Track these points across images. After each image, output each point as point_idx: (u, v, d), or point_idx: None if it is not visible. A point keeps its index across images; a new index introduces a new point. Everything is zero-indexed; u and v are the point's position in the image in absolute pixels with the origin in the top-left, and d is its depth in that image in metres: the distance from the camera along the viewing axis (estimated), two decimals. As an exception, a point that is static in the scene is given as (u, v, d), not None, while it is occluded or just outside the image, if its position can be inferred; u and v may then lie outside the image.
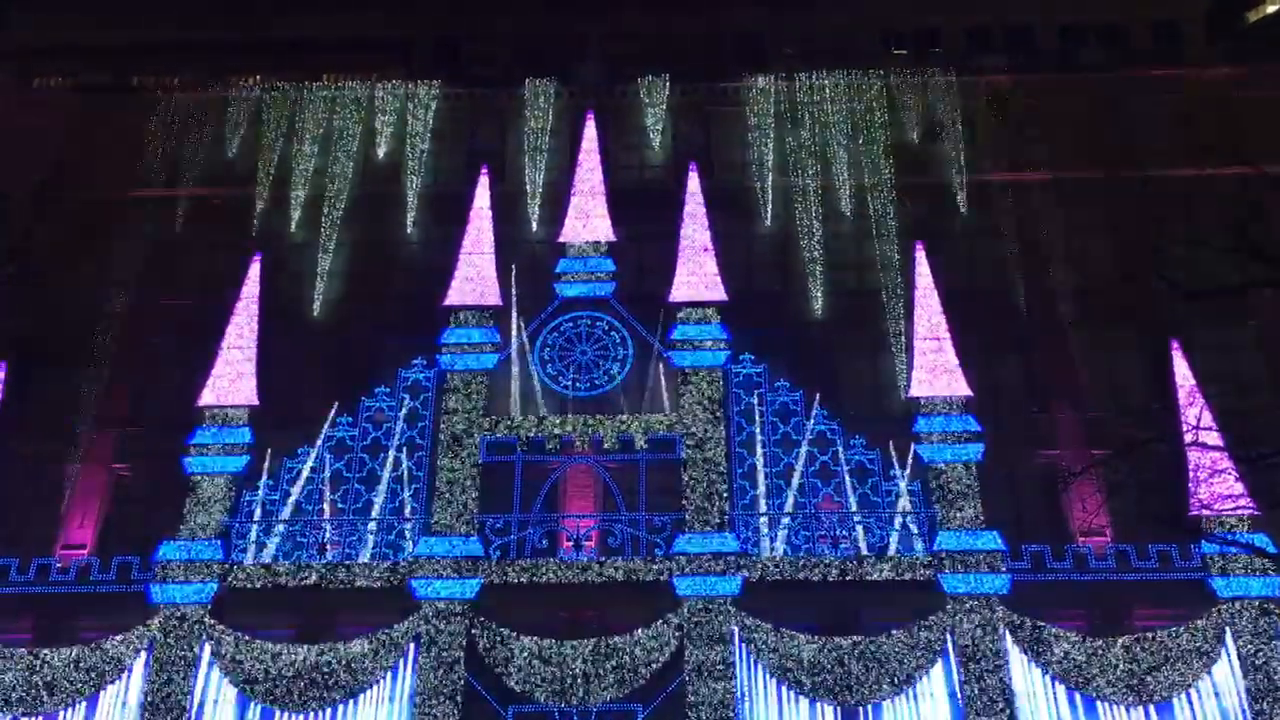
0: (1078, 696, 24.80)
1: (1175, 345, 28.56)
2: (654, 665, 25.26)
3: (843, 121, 35.45)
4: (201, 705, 25.38)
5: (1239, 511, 25.60)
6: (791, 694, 25.05)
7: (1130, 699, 24.58)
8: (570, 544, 26.94)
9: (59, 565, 27.09)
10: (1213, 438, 24.52)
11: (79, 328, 32.54)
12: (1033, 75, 35.95)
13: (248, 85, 37.06)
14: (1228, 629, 25.21)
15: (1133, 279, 30.37)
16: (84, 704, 25.45)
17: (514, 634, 25.55)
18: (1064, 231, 33.41)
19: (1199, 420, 24.14)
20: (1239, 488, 25.42)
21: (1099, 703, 24.71)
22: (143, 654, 25.68)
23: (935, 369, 28.12)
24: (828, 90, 35.90)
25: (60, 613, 26.70)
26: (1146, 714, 24.65)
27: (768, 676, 25.23)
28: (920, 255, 29.83)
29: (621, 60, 37.21)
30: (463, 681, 25.22)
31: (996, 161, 34.64)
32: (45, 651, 25.72)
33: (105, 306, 32.79)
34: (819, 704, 24.93)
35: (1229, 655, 25.03)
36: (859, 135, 35.21)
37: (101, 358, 32.23)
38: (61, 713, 25.38)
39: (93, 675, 25.49)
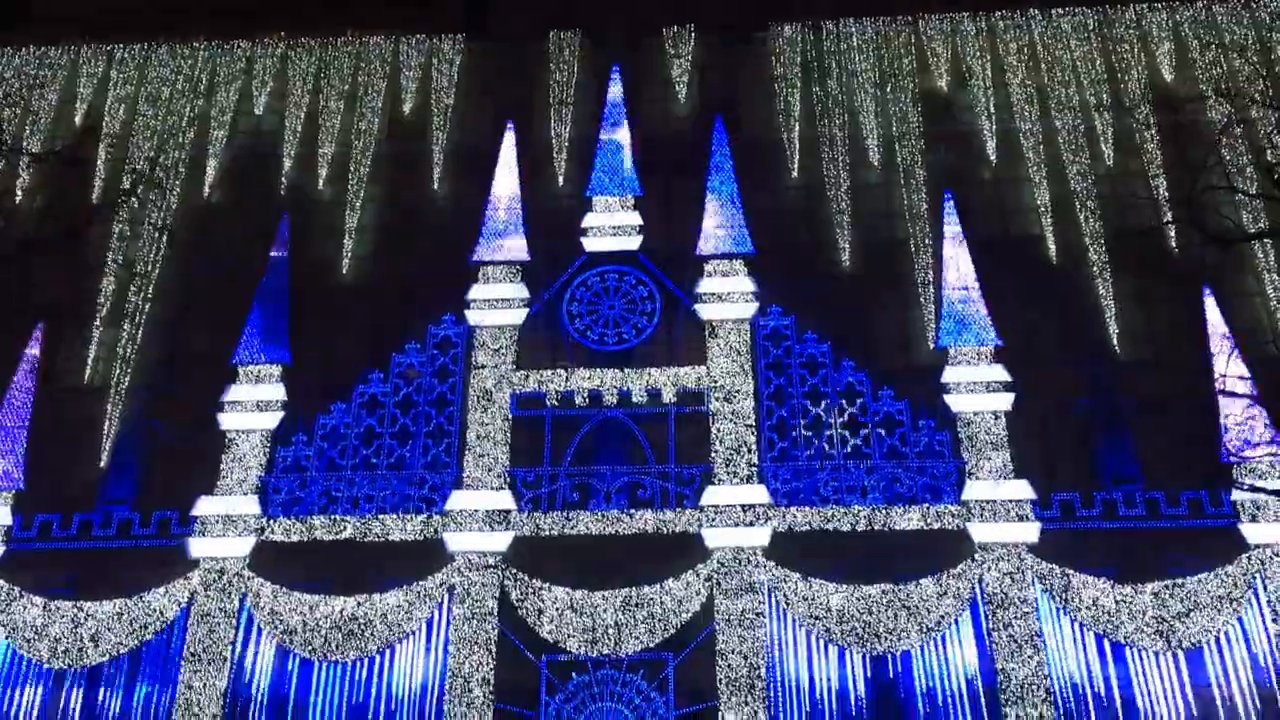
0: (1106, 644, 24.91)
1: (1208, 292, 28.28)
2: (684, 615, 25.57)
3: (870, 70, 35.11)
4: (242, 656, 25.95)
5: (1270, 458, 25.48)
6: (820, 642, 25.32)
7: (1159, 645, 24.66)
8: (600, 496, 27.17)
9: (100, 520, 27.60)
10: (1244, 385, 24.39)
11: (113, 288, 33.02)
12: (1062, 18, 35.37)
13: (273, 43, 37.05)
14: (1258, 575, 25.17)
15: (1165, 226, 30.09)
16: (128, 656, 26.08)
17: (546, 585, 25.91)
18: (1095, 178, 33.07)
19: (1229, 367, 24.02)
20: (1269, 434, 25.28)
21: (1128, 649, 24.81)
22: (183, 607, 26.23)
23: (964, 319, 28.02)
24: (854, 39, 35.53)
25: (101, 567, 27.22)
26: (1175, 661, 24.73)
27: (797, 625, 25.50)
28: (949, 204, 29.63)
29: (647, 12, 36.89)
30: (496, 632, 25.65)
31: (1026, 108, 34.22)
32: (89, 604, 26.33)
33: (138, 266, 33.16)
34: (848, 652, 25.20)
35: (1259, 602, 25.01)
36: (886, 84, 34.87)
37: (135, 317, 32.65)
38: (106, 665, 26.02)
39: (136, 627, 26.08)
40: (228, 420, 27.97)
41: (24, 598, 26.52)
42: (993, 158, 33.69)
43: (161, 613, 26.18)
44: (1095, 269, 31.72)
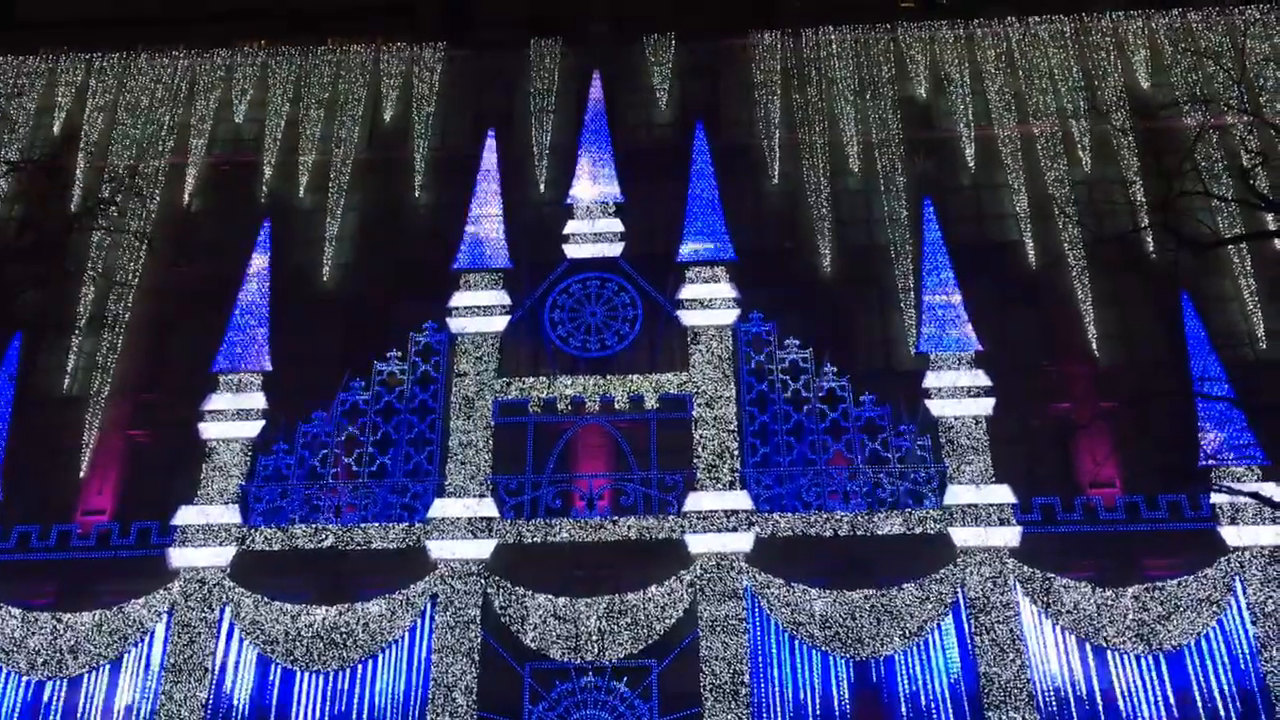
0: (1088, 647, 25.03)
1: (1185, 297, 28.48)
2: (668, 621, 25.57)
3: (850, 77, 35.29)
4: (223, 667, 25.79)
5: (1248, 461, 25.71)
6: (804, 648, 25.36)
7: (1140, 648, 24.80)
8: (583, 503, 27.16)
9: (79, 531, 27.43)
10: (1221, 389, 24.59)
11: (93, 296, 32.89)
12: (1039, 25, 35.59)
13: (254, 51, 36.98)
14: (1237, 578, 25.34)
15: (1142, 231, 30.33)
16: (108, 667, 25.88)
17: (529, 592, 25.87)
18: (1072, 184, 33.32)
19: (1206, 371, 24.20)
20: (1247, 438, 25.50)
21: (1109, 652, 24.93)
22: (164, 617, 26.07)
23: (945, 324, 28.14)
24: (834, 46, 35.72)
25: (81, 578, 27.08)
26: (1157, 663, 24.87)
27: (780, 631, 25.53)
28: (929, 210, 29.77)
29: (627, 19, 36.97)
30: (479, 640, 25.57)
31: (1004, 114, 34.44)
32: (68, 615, 26.13)
33: (118, 275, 33.00)
34: (831, 657, 25.24)
35: (1239, 604, 25.19)
36: (866, 90, 35.05)
37: (115, 326, 32.51)
38: (86, 676, 25.82)
39: (115, 638, 25.90)
40: (208, 429, 27.82)
41: (2, 609, 26.28)
42: (972, 164, 33.90)
43: (141, 623, 26.00)
44: (1074, 274, 31.96)
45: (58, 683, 25.86)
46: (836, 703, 25.06)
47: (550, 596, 25.77)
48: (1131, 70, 34.89)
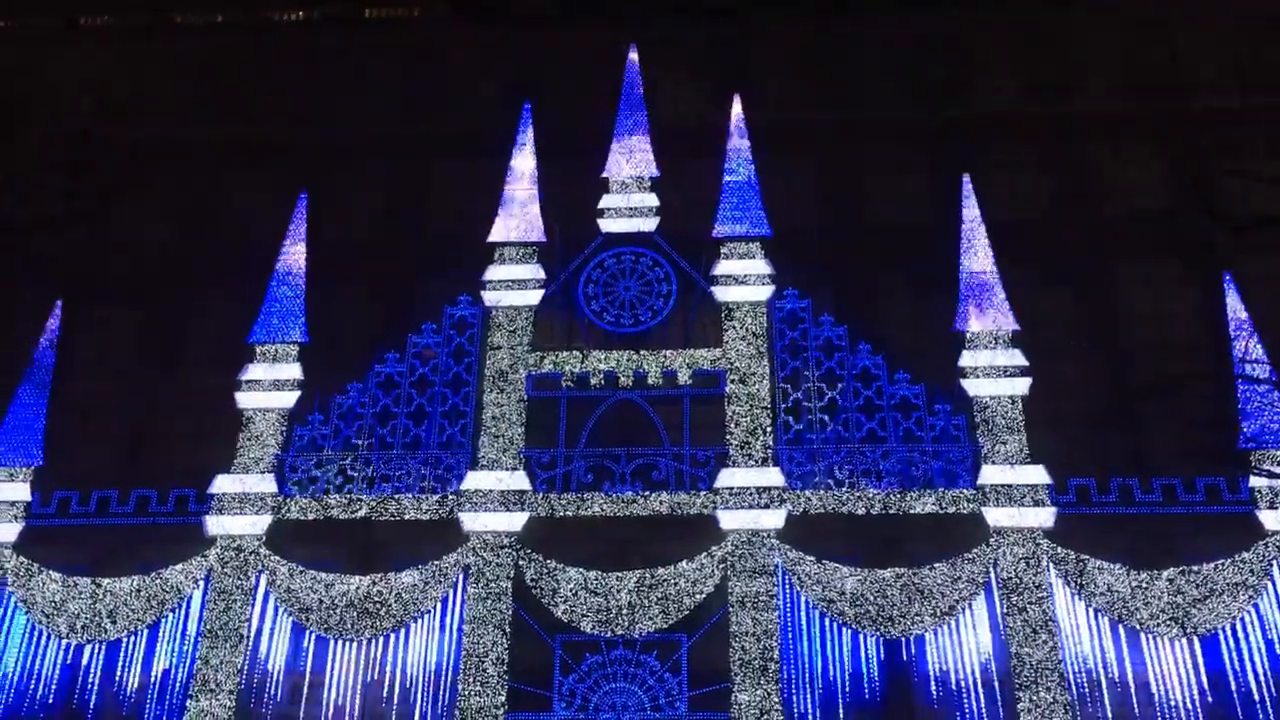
0: (1121, 629, 24.89)
1: (1228, 277, 28.09)
2: (698, 596, 25.62)
3: (889, 53, 34.93)
4: (258, 634, 26.10)
5: (1288, 444, 25.43)
6: (834, 625, 25.35)
7: (1174, 631, 24.64)
8: (615, 478, 27.19)
9: (118, 497, 27.73)
10: (1262, 370, 24.28)
11: (130, 267, 33.20)
12: (1079, 5, 35.10)
13: (289, 22, 37.05)
14: (1274, 562, 25.11)
15: (1181, 211, 29.98)
16: (145, 631, 26.26)
17: (561, 566, 25.98)
18: (1111, 163, 32.90)
19: (1247, 353, 23.89)
20: (1289, 421, 25.22)
21: (1143, 635, 24.78)
22: (200, 584, 26.40)
23: (981, 302, 27.92)
24: (875, 21, 35.34)
25: (119, 544, 27.40)
26: (1190, 646, 24.71)
27: (810, 608, 25.53)
28: (968, 188, 29.46)
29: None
30: (510, 612, 25.73)
31: (1044, 93, 34.01)
32: (107, 580, 26.52)
33: (155, 246, 33.29)
34: (861, 635, 25.23)
35: (1275, 588, 24.96)
36: (905, 67, 34.69)
37: (153, 296, 32.81)
38: (124, 640, 26.21)
39: (153, 603, 26.25)
40: (245, 399, 28.05)
41: (43, 573, 26.71)
42: (1011, 142, 33.48)
43: (179, 589, 26.35)
44: (1113, 253, 31.57)
45: (96, 646, 26.27)
46: (866, 680, 25.08)
47: (581, 570, 25.87)
48: (1176, 47, 34.31)
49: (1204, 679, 24.47)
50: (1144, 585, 25.00)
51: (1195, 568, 25.11)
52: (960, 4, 35.41)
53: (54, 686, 26.09)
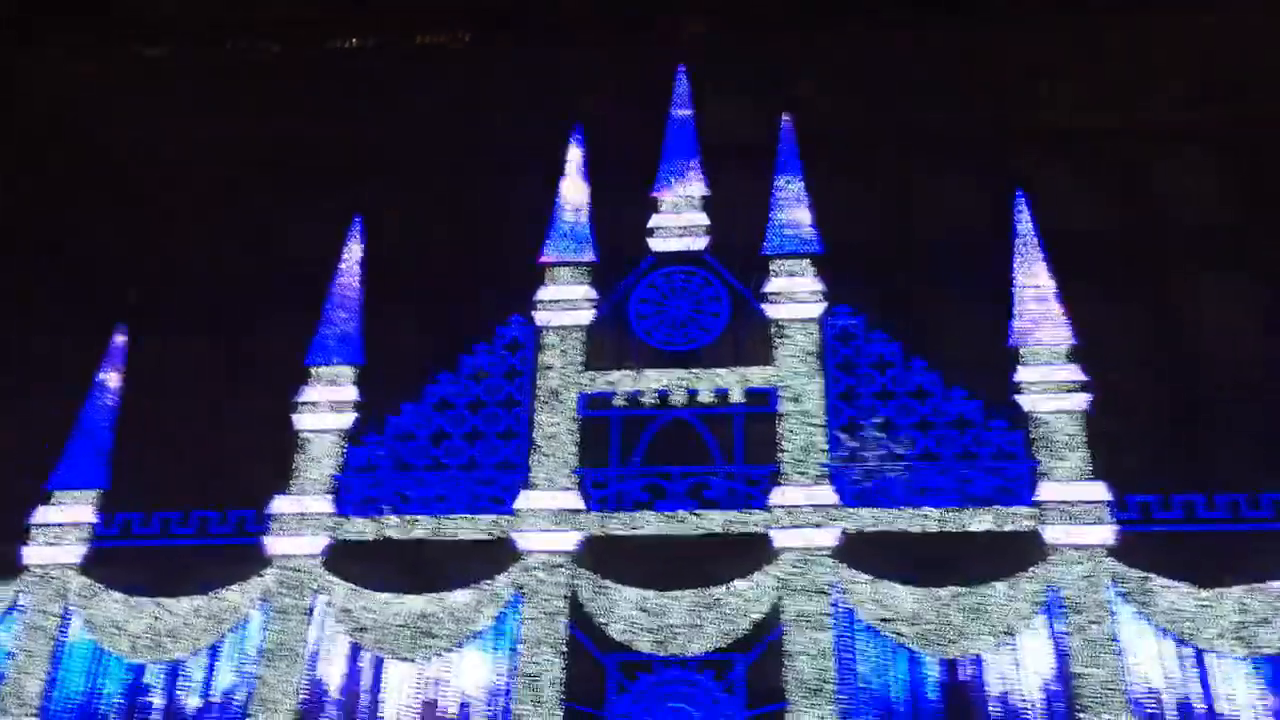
0: (1186, 649, 24.33)
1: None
2: (753, 616, 25.42)
3: (941, 65, 34.67)
4: (316, 653, 26.32)
5: (1358, 460, 24.82)
6: (890, 645, 25.05)
7: (1241, 651, 24.03)
8: (668, 497, 27.11)
9: (179, 518, 28.13)
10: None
11: (190, 291, 33.81)
12: (1140, 13, 34.61)
13: (343, 50, 37.60)
14: (1345, 581, 24.47)
15: (1244, 223, 29.47)
16: (206, 651, 26.59)
17: (616, 585, 25.94)
18: (1175, 174, 32.37)
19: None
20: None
21: (1207, 655, 24.21)
22: (258, 604, 26.68)
23: (1038, 316, 27.54)
24: (925, 33, 35.10)
25: (180, 565, 27.76)
26: (1257, 666, 24.10)
27: (867, 628, 25.25)
28: (1022, 201, 29.12)
29: (713, 11, 36.79)
30: (565, 632, 25.73)
31: (1104, 102, 33.58)
32: (168, 601, 26.87)
33: (215, 270, 33.89)
34: (918, 655, 24.91)
35: (1346, 607, 24.30)
36: (958, 78, 34.39)
37: (214, 320, 33.37)
38: (184, 659, 26.54)
39: (213, 623, 26.54)
40: (302, 420, 28.37)
41: (106, 594, 27.15)
42: (1070, 153, 33.06)
43: (238, 609, 26.65)
44: (1176, 265, 31.05)
45: (158, 666, 26.63)
46: (924, 701, 24.76)
47: (637, 589, 25.80)
48: (1242, 58, 33.70)
49: (1273, 701, 23.83)
50: (1210, 604, 24.42)
51: (1263, 585, 24.50)
52: (1014, 14, 35.03)
53: (117, 706, 26.48)
